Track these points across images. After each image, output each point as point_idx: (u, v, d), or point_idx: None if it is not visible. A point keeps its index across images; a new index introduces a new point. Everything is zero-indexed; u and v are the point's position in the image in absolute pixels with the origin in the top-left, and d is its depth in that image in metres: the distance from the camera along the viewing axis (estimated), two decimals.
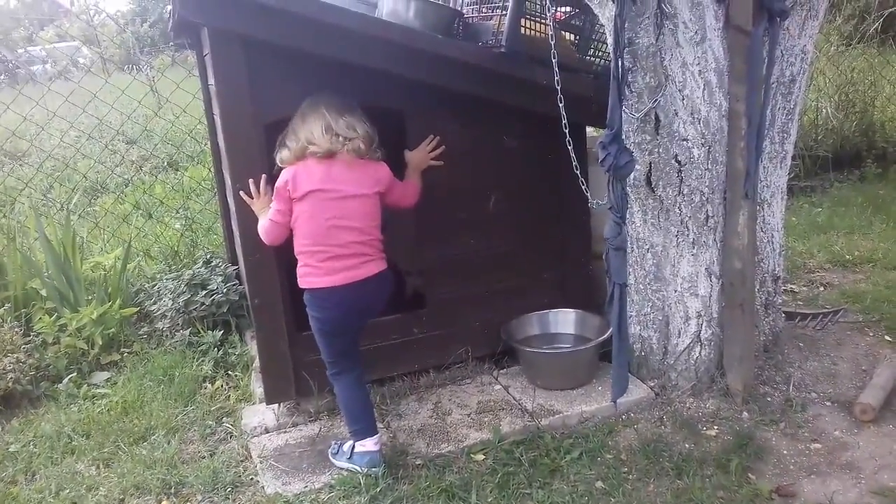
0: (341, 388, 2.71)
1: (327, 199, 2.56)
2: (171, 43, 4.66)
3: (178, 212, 5.48)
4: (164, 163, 6.95)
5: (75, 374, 3.60)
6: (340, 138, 2.56)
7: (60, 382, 3.54)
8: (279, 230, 2.64)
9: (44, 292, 4.06)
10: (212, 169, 4.57)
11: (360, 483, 2.56)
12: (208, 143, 4.56)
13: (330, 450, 2.77)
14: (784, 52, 2.88)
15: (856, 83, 6.50)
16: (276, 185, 2.62)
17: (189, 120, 6.10)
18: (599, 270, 3.38)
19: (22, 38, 20.17)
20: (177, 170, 6.79)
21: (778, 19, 2.70)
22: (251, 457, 2.84)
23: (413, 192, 2.90)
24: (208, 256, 4.30)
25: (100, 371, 3.68)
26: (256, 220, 2.76)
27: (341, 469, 2.68)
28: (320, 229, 2.56)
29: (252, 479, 2.72)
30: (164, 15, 17.24)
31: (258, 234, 2.77)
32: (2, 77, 13.99)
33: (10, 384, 3.39)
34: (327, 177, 2.56)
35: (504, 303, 3.32)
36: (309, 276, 2.61)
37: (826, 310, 3.61)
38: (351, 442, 2.69)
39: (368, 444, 2.65)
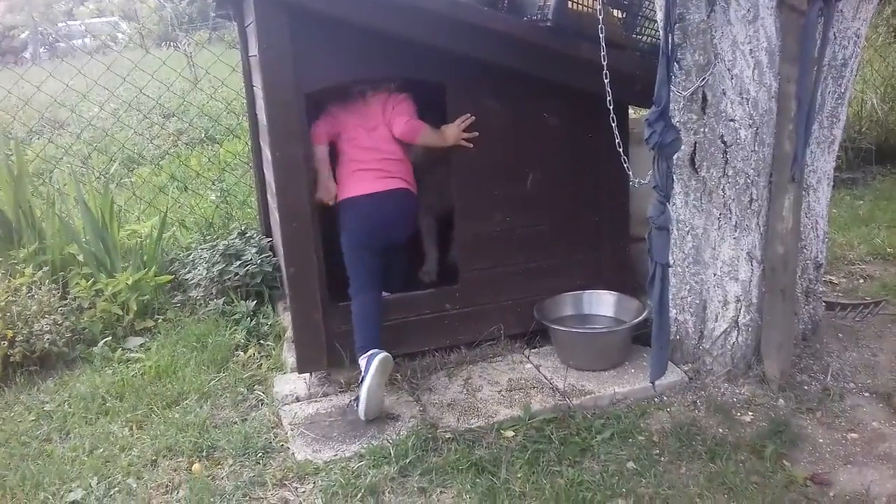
0: (358, 305, 2.99)
1: (358, 127, 3.04)
2: (214, 14, 4.67)
3: (213, 184, 5.52)
4: (200, 135, 7.00)
5: (110, 338, 3.65)
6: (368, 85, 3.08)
7: (95, 346, 3.59)
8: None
9: (81, 257, 4.11)
10: (248, 143, 4.59)
11: (390, 453, 2.56)
12: (245, 117, 4.58)
13: (352, 409, 2.84)
14: (837, 34, 2.80)
15: None
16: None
17: (226, 93, 6.12)
18: (636, 253, 3.36)
19: (62, 13, 20.40)
20: (213, 143, 6.84)
21: (833, 0, 2.63)
22: (282, 424, 2.85)
23: (413, 127, 3.03)
24: (243, 228, 4.33)
25: (134, 336, 3.73)
26: (294, 189, 2.81)
27: (366, 420, 2.77)
28: (352, 148, 3.03)
29: (283, 445, 2.73)
30: None
31: (296, 203, 2.82)
32: (43, 50, 14.19)
33: (46, 345, 3.44)
34: (362, 110, 3.07)
35: (538, 282, 3.30)
36: (341, 189, 3.03)
37: (866, 301, 3.54)
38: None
39: (370, 351, 2.82)
